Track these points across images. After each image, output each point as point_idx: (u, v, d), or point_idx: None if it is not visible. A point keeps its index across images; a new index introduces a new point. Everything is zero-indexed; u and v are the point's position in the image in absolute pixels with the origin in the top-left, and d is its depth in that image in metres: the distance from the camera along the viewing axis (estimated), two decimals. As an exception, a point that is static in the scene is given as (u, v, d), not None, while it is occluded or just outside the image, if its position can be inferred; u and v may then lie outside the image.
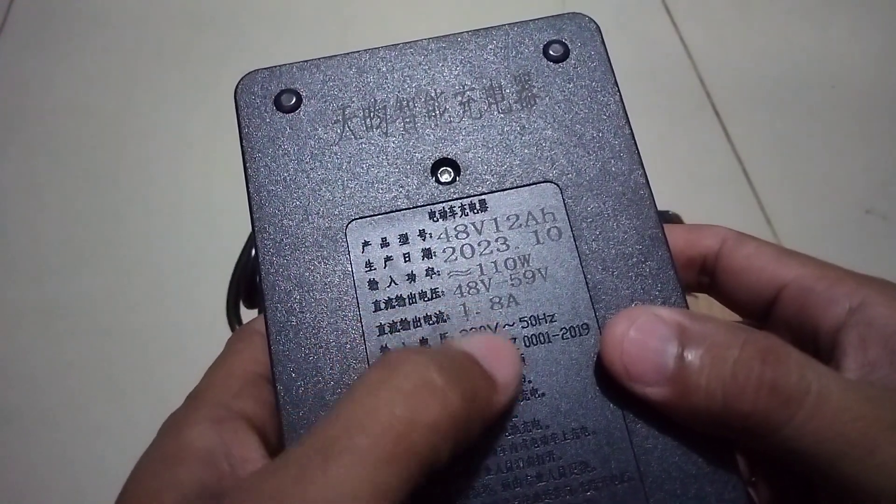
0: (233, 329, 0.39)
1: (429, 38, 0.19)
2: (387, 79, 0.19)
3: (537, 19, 0.19)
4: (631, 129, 0.18)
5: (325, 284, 0.17)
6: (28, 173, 0.66)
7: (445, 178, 0.18)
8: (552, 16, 0.20)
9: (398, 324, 0.17)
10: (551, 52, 0.19)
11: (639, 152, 0.18)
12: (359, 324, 0.17)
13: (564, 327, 0.17)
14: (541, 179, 0.18)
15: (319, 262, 0.17)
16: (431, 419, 0.13)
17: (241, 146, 0.18)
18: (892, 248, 0.59)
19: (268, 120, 0.18)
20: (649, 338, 0.15)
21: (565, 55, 0.19)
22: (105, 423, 0.54)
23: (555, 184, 0.18)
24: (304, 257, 0.17)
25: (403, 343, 0.17)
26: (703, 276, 0.20)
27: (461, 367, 0.14)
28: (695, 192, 0.62)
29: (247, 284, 0.38)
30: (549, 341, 0.16)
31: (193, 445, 0.15)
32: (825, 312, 0.17)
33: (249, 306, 0.39)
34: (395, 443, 0.12)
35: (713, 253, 0.19)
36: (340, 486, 0.12)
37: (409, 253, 0.17)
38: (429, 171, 0.18)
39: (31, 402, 0.55)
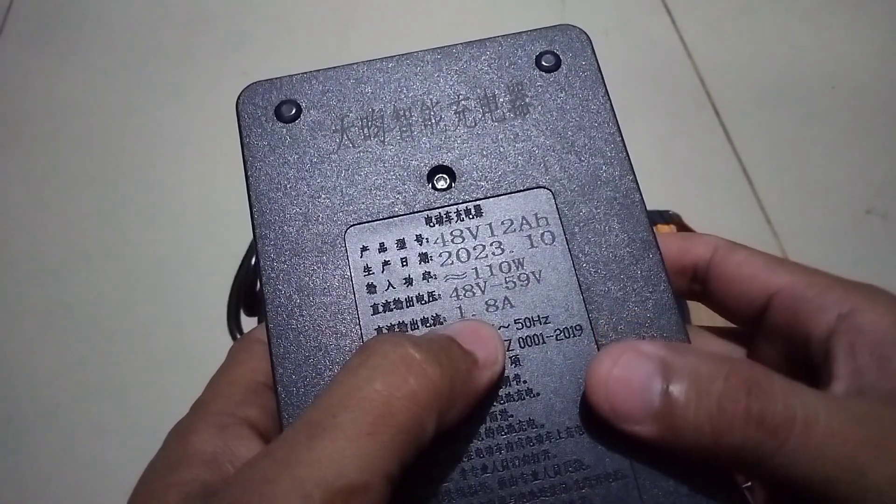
0: (233, 337, 0.39)
1: (425, 50, 0.20)
2: (384, 89, 0.19)
3: (530, 31, 0.20)
4: (622, 136, 0.19)
5: (325, 288, 0.17)
6: (28, 173, 0.66)
7: (441, 184, 0.18)
8: (544, 27, 0.20)
9: (396, 326, 0.17)
10: (543, 63, 0.19)
11: (629, 158, 0.18)
12: (357, 327, 0.17)
13: (558, 328, 0.17)
14: (534, 185, 0.18)
15: (319, 267, 0.17)
16: (410, 391, 0.13)
17: (243, 155, 0.19)
18: (892, 248, 0.60)
19: (268, 130, 0.19)
20: (633, 375, 0.15)
21: (557, 65, 0.19)
22: (106, 423, 0.54)
23: (548, 189, 0.18)
24: (303, 262, 0.17)
25: None
26: (695, 284, 0.20)
27: (439, 344, 0.15)
28: (695, 192, 0.63)
29: (247, 293, 0.38)
30: (544, 342, 0.17)
31: (197, 450, 0.15)
32: (816, 319, 0.17)
33: (249, 314, 0.40)
34: (377, 416, 0.13)
35: (705, 261, 0.20)
36: (327, 461, 0.12)
37: (406, 257, 0.18)
38: (425, 177, 0.18)
39: (32, 401, 0.56)
